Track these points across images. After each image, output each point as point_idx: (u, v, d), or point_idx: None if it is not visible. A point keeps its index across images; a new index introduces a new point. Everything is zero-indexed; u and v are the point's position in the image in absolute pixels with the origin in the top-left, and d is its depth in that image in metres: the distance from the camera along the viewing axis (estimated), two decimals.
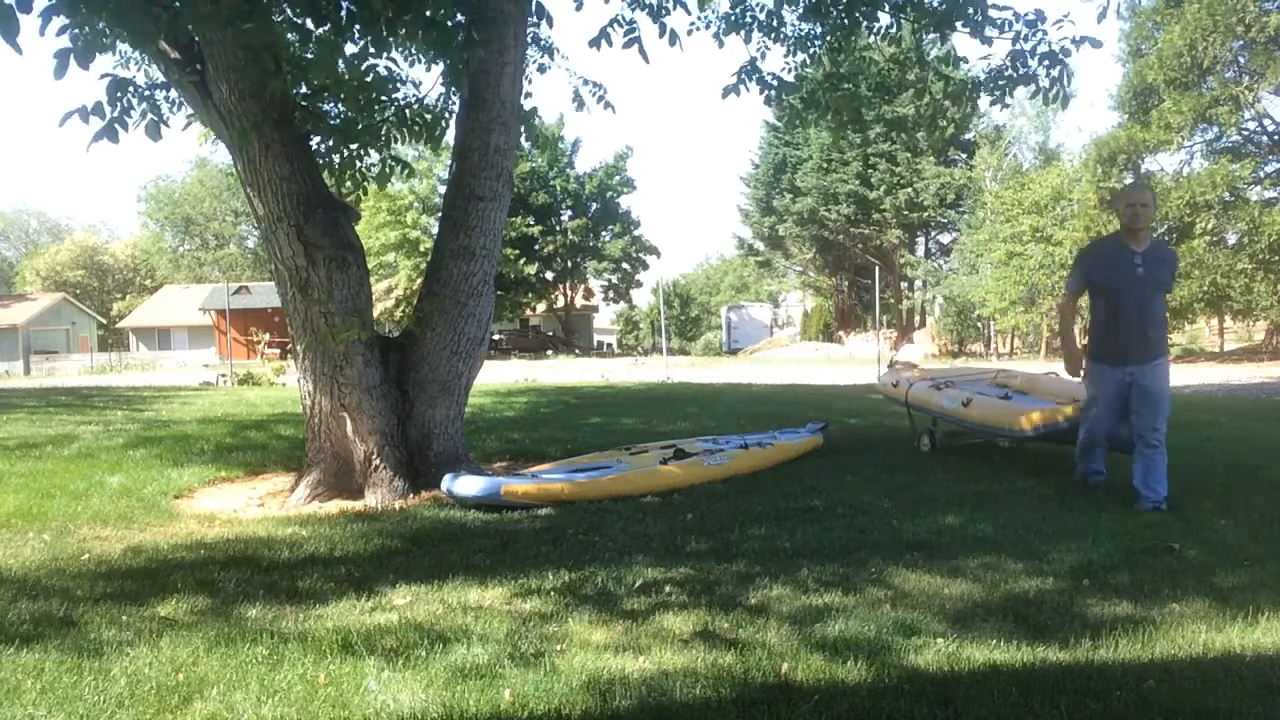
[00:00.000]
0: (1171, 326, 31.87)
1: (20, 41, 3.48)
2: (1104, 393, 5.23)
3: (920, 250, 45.76)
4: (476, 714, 2.48)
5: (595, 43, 6.38)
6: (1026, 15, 6.17)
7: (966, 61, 6.94)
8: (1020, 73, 6.21)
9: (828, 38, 7.13)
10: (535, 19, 6.77)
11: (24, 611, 3.37)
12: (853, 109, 7.28)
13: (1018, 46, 6.19)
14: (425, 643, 2.97)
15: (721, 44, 7.33)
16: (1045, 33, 6.10)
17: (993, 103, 6.48)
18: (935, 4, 6.41)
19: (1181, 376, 19.30)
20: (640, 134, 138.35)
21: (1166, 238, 27.68)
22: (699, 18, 7.45)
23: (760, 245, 51.62)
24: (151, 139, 4.99)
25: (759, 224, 49.00)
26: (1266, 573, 3.69)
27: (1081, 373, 5.45)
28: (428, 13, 4.69)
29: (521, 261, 41.32)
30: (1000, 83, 6.35)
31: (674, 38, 6.49)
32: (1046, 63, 6.10)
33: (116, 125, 4.81)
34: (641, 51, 6.35)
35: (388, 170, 6.11)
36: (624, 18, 6.54)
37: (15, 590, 3.66)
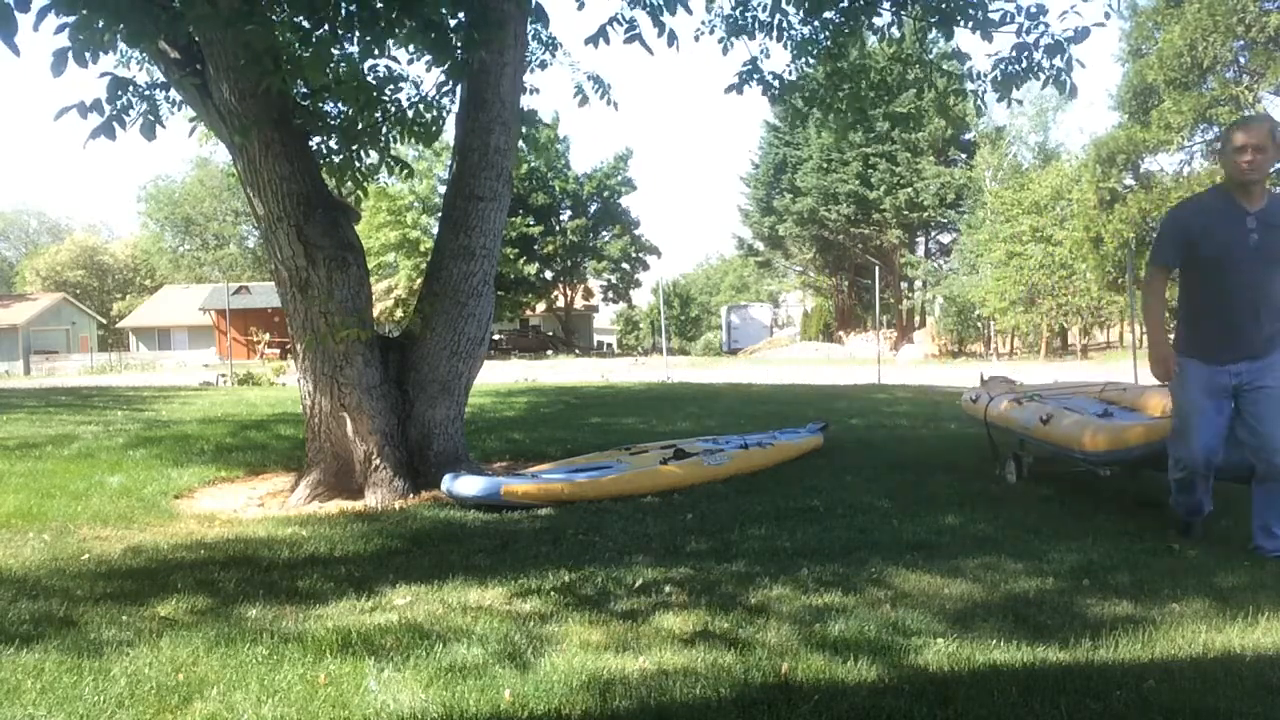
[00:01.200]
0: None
1: (20, 41, 3.48)
2: (1199, 401, 4.00)
3: (920, 250, 45.76)
4: (476, 714, 2.47)
5: (594, 40, 6.38)
6: (1029, 7, 6.16)
7: (970, 59, 6.93)
8: (1026, 65, 6.19)
9: (827, 43, 7.13)
10: (534, 20, 6.78)
11: (24, 611, 3.37)
12: (856, 108, 7.28)
13: (1021, 39, 6.18)
14: (425, 643, 2.97)
15: (727, 51, 7.33)
16: (1047, 25, 6.10)
17: (1000, 99, 6.46)
18: (936, 1, 6.41)
19: None
20: (640, 134, 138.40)
21: None
22: (704, 22, 7.47)
23: (760, 245, 51.64)
24: (146, 138, 5.00)
25: (759, 224, 49.01)
26: (1266, 573, 3.69)
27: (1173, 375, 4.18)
28: (427, 11, 4.69)
29: (521, 261, 41.33)
30: (1009, 73, 6.31)
31: (672, 38, 6.50)
32: (1051, 54, 6.09)
33: (114, 123, 4.82)
34: (643, 43, 6.35)
35: (389, 168, 6.11)
36: (624, 16, 6.54)
37: (15, 590, 3.66)
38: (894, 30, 7.10)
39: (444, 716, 2.45)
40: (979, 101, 6.88)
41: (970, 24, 6.18)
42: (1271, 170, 3.99)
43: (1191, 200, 4.25)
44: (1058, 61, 6.06)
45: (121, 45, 6.82)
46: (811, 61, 7.40)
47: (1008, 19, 6.17)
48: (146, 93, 6.39)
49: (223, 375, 23.39)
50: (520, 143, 7.03)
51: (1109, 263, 28.71)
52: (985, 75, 6.55)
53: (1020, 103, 6.93)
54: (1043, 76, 6.14)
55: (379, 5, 4.70)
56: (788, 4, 7.05)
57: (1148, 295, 4.33)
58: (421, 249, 38.66)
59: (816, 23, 7.15)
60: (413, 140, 5.85)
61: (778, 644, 2.92)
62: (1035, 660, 2.74)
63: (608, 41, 6.48)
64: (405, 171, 6.66)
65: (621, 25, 6.48)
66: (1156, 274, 4.22)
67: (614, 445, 7.17)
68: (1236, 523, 4.50)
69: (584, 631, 3.11)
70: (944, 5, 6.34)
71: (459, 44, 5.06)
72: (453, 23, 5.25)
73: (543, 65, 7.90)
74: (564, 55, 8.04)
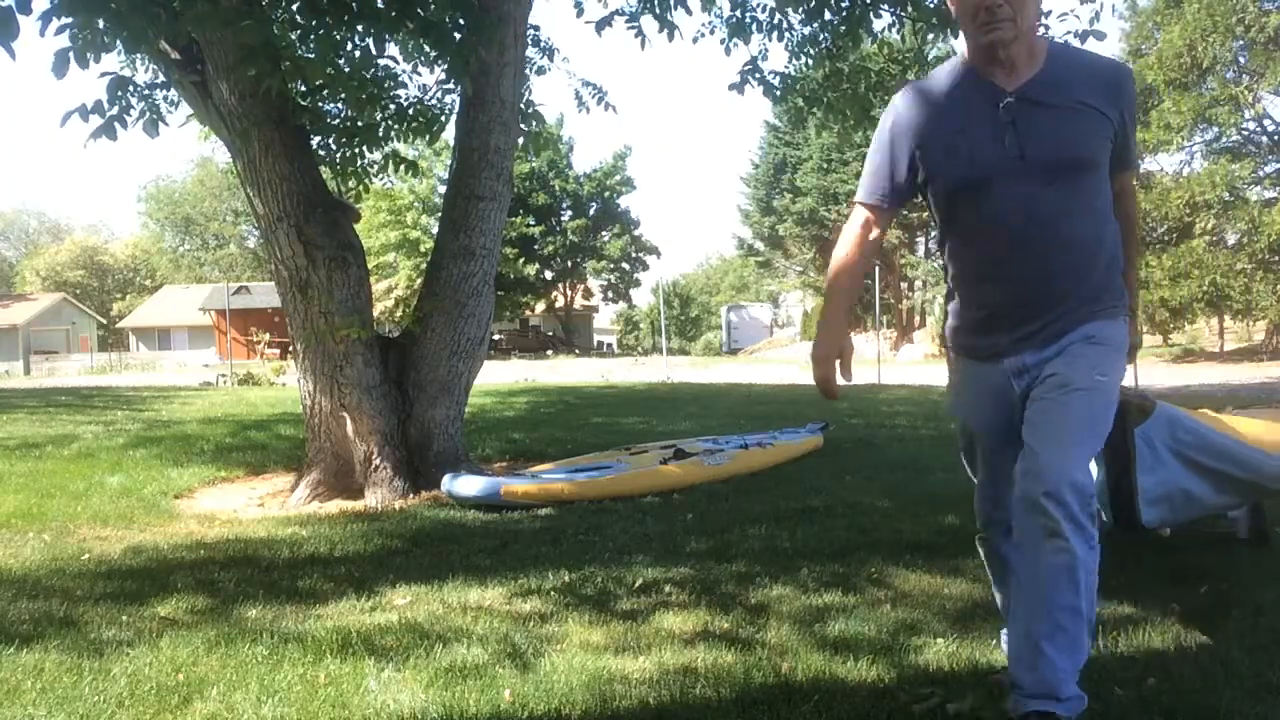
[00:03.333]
0: (1171, 326, 31.77)
1: (21, 40, 3.48)
2: (978, 415, 2.49)
3: (920, 250, 45.75)
4: (476, 714, 2.47)
5: (600, 26, 6.45)
6: None
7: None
8: None
9: (827, 45, 7.14)
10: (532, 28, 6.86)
11: (24, 611, 3.37)
12: (857, 108, 7.29)
13: None
14: (425, 643, 2.97)
15: (729, 52, 7.36)
16: (1048, 27, 6.12)
17: None
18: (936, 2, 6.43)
19: (1182, 377, 19.30)
20: (640, 134, 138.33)
21: (1165, 239, 27.70)
22: (705, 24, 7.51)
23: (760, 245, 51.61)
24: (150, 136, 5.01)
25: (759, 224, 48.98)
26: (1266, 572, 3.68)
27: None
28: (430, 8, 4.69)
29: (521, 261, 41.31)
30: None
31: (672, 30, 6.55)
32: None
33: (116, 123, 4.83)
34: (641, 33, 6.44)
35: (394, 164, 6.12)
36: (627, 8, 6.62)
37: (15, 590, 3.66)
38: (893, 32, 7.11)
39: (444, 716, 2.44)
40: None
41: None
42: (1041, 23, 2.68)
43: (918, 86, 2.35)
44: None
45: (121, 45, 6.83)
46: (810, 62, 7.41)
47: None
48: (146, 93, 6.39)
49: (223, 375, 23.37)
50: (521, 140, 7.06)
51: None
52: None
53: None
54: None
55: (379, 4, 4.71)
56: (786, 5, 7.07)
57: (835, 251, 2.41)
58: (421, 249, 38.64)
59: (816, 24, 7.16)
60: (414, 137, 5.86)
61: (778, 644, 2.92)
62: None
63: (610, 25, 6.58)
64: (410, 169, 6.66)
65: (623, 16, 6.57)
66: (854, 220, 2.39)
67: (614, 445, 7.16)
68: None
69: (584, 631, 3.10)
70: (943, 5, 6.35)
71: (460, 42, 5.06)
72: (452, 23, 5.25)
73: (540, 71, 7.94)
74: (562, 62, 8.07)
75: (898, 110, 2.34)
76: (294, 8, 5.16)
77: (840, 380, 2.39)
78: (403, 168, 6.55)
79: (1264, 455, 3.45)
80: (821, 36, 7.18)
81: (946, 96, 2.29)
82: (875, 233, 2.40)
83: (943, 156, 2.26)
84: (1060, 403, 2.18)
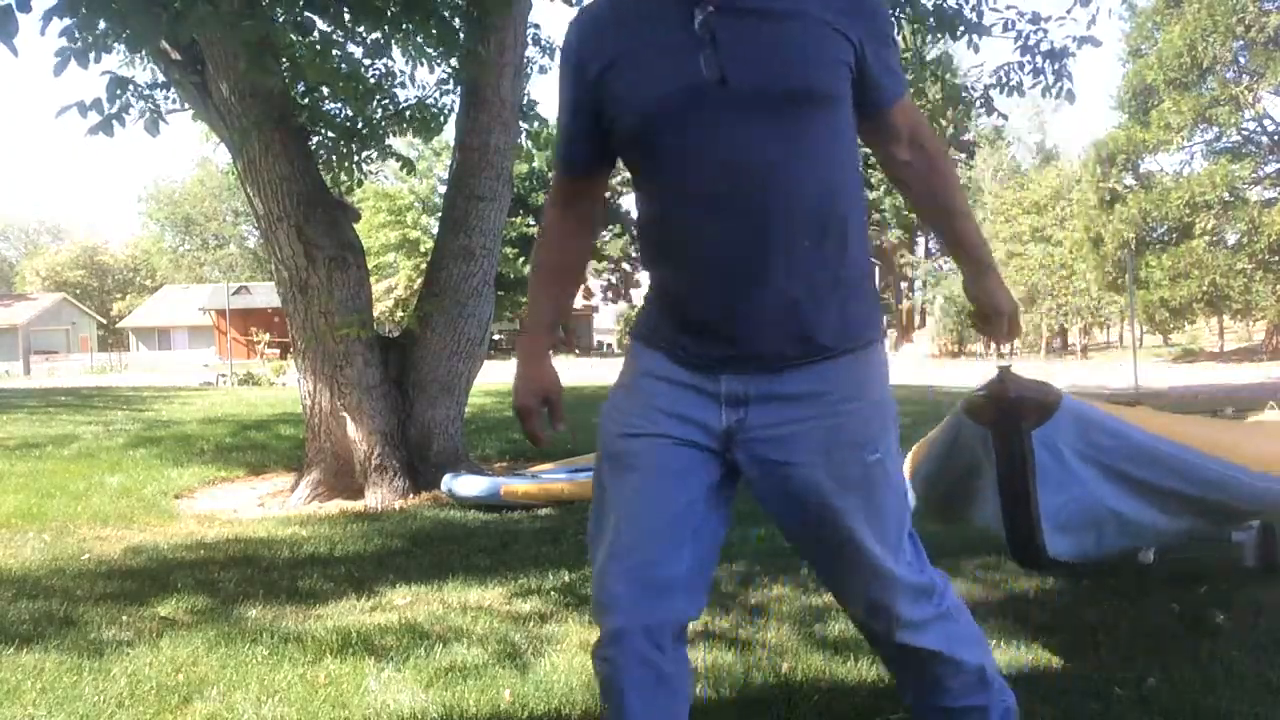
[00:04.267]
0: (1171, 326, 31.76)
1: (21, 42, 3.48)
2: (644, 454, 1.59)
3: (920, 250, 45.76)
4: (476, 714, 2.47)
5: None
6: (1028, 15, 6.21)
7: (981, 67, 6.99)
8: (1028, 69, 6.24)
9: None
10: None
11: (24, 611, 3.37)
12: None
13: (1020, 43, 6.22)
14: (425, 643, 2.96)
15: None
16: (1046, 31, 6.13)
17: (1008, 94, 6.50)
18: (935, 3, 6.43)
19: (1182, 377, 19.30)
20: None
21: (1165, 239, 27.71)
22: None
23: None
24: (150, 134, 5.01)
25: None
26: (1266, 572, 3.68)
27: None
28: (432, 7, 4.70)
29: (521, 261, 41.30)
30: (1012, 76, 6.36)
31: None
32: (1050, 60, 6.13)
33: (114, 120, 4.83)
34: None
35: (394, 159, 6.13)
36: None
37: (15, 590, 3.66)
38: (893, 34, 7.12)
39: (444, 716, 2.44)
40: (978, 106, 6.92)
41: (971, 31, 6.21)
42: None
43: (594, 7, 1.70)
44: (1057, 67, 6.11)
45: (122, 45, 6.84)
46: None
47: (1009, 25, 6.21)
48: (146, 92, 6.40)
49: (223, 375, 23.38)
50: (523, 139, 7.06)
51: (1109, 263, 28.72)
52: (976, 82, 6.62)
53: (1006, 118, 7.00)
54: (1044, 83, 6.19)
55: (378, 3, 4.71)
56: None
57: (543, 234, 1.83)
58: (421, 249, 38.68)
59: None
60: (413, 134, 5.87)
61: (778, 644, 2.92)
62: (1035, 660, 2.73)
63: None
64: (407, 167, 6.67)
65: None
66: (554, 190, 1.81)
67: None
68: None
69: (584, 631, 3.10)
70: (941, 5, 6.36)
71: (461, 42, 5.06)
72: (453, 22, 5.25)
73: (542, 70, 7.94)
74: None
75: (569, 44, 1.66)
76: (296, 7, 5.15)
77: (548, 429, 1.79)
78: (399, 165, 6.56)
79: (1235, 470, 2.62)
80: None
81: (630, 12, 1.60)
82: (582, 205, 1.76)
83: (624, 89, 1.56)
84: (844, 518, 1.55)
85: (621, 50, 1.57)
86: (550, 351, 1.78)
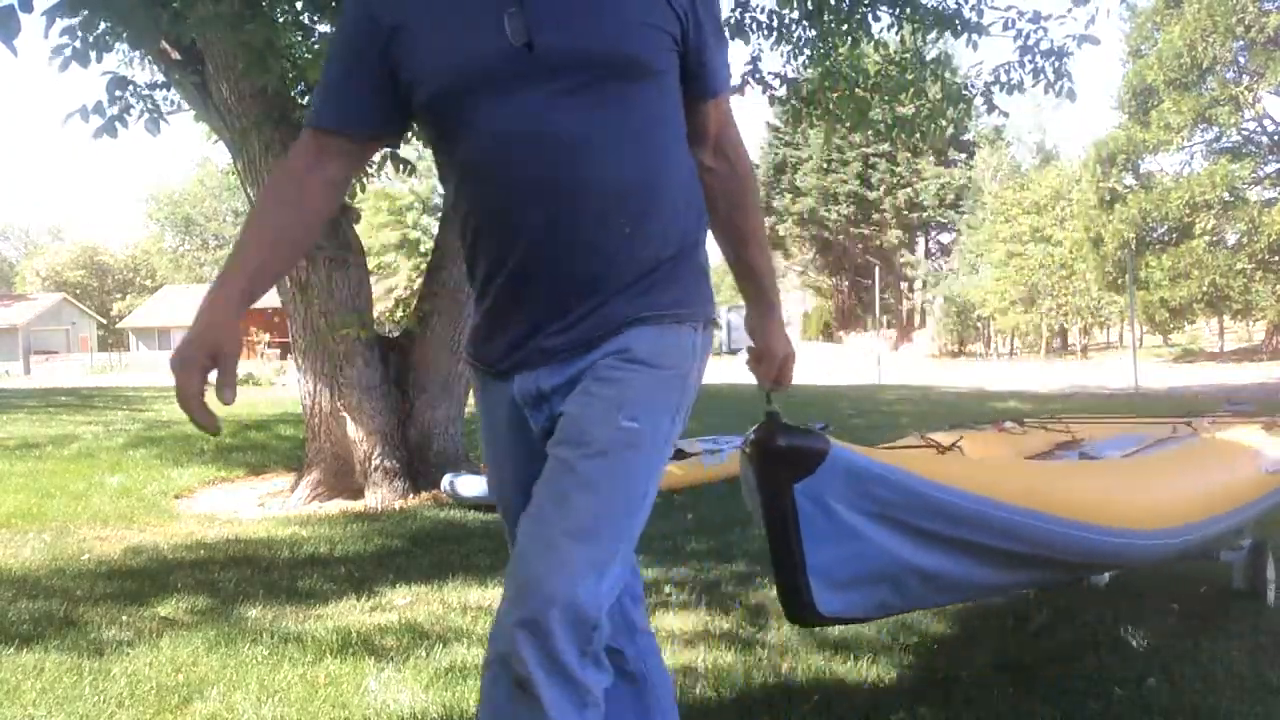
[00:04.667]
0: (1171, 326, 31.76)
1: (22, 42, 3.48)
2: (499, 462, 1.64)
3: (920, 250, 45.78)
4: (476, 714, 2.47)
5: None
6: (1028, 14, 6.21)
7: (980, 66, 7.00)
8: (1028, 68, 6.25)
9: (825, 48, 7.14)
10: None
11: (24, 611, 3.37)
12: (855, 110, 7.29)
13: (1020, 43, 6.23)
14: (425, 643, 2.96)
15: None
16: (1046, 30, 6.14)
17: (1008, 93, 6.51)
18: (934, 3, 6.44)
19: (1182, 377, 19.30)
20: None
21: (1165, 239, 27.72)
22: None
23: None
24: (151, 134, 5.01)
25: None
26: (1253, 594, 3.68)
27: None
28: None
29: None
30: (1012, 74, 6.37)
31: None
32: (1051, 58, 6.14)
33: (116, 122, 4.83)
34: None
35: (393, 164, 6.13)
36: None
37: (15, 590, 3.66)
38: (892, 33, 7.11)
39: (444, 716, 2.44)
40: (978, 105, 6.93)
41: (970, 30, 6.22)
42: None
43: None
44: (1058, 65, 6.11)
45: (123, 45, 6.84)
46: (808, 64, 7.41)
47: (1008, 24, 6.22)
48: (146, 92, 6.39)
49: None
50: None
51: (1109, 263, 28.74)
52: (976, 81, 6.62)
53: (1007, 115, 7.01)
54: (1045, 81, 6.20)
55: None
56: (784, 7, 7.06)
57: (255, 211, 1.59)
58: (421, 249, 38.70)
59: (816, 30, 7.16)
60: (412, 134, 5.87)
61: (778, 644, 2.92)
62: (1035, 660, 2.73)
63: None
64: (408, 169, 6.66)
65: None
66: (305, 142, 1.49)
67: None
68: None
69: None
70: (941, 6, 6.37)
71: None
72: None
73: None
74: None
75: None
76: (298, 6, 5.16)
77: (212, 407, 1.45)
78: (402, 167, 6.56)
79: (1068, 526, 2.24)
80: (820, 37, 7.18)
81: None
82: (331, 167, 1.47)
83: (421, 54, 1.37)
84: (563, 474, 1.35)
85: (419, 6, 1.38)
86: (241, 310, 1.40)
